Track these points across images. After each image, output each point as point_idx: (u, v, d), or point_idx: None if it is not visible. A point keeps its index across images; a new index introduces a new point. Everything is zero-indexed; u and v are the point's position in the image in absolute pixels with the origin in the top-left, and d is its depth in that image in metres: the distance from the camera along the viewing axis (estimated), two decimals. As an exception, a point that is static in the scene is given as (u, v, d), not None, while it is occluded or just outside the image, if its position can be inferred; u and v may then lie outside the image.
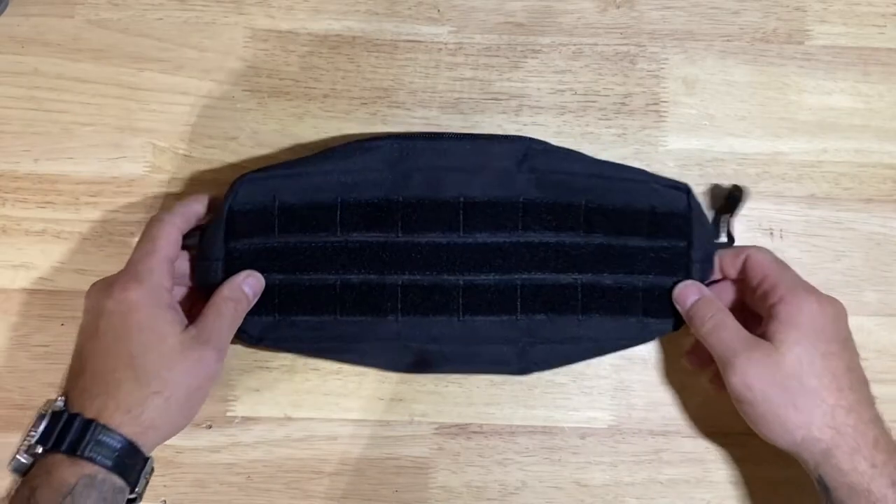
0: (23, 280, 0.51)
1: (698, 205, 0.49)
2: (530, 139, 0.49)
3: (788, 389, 0.43)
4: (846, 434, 0.42)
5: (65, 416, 0.41)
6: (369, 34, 0.54)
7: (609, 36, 0.54)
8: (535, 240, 0.48)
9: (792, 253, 0.52)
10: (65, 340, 0.51)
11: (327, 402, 0.51)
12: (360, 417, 0.51)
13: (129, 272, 0.44)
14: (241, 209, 0.48)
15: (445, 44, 0.53)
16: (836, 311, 0.45)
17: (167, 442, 0.50)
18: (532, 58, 0.53)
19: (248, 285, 0.47)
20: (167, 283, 0.45)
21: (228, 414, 0.51)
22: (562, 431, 0.51)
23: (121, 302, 0.43)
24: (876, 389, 0.44)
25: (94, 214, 0.52)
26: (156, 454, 0.50)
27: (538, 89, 0.53)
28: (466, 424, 0.51)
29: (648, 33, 0.54)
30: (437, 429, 0.51)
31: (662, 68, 0.53)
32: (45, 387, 0.51)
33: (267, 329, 0.48)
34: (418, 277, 0.47)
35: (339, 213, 0.47)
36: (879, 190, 0.53)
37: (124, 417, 0.41)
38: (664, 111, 0.53)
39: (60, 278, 0.51)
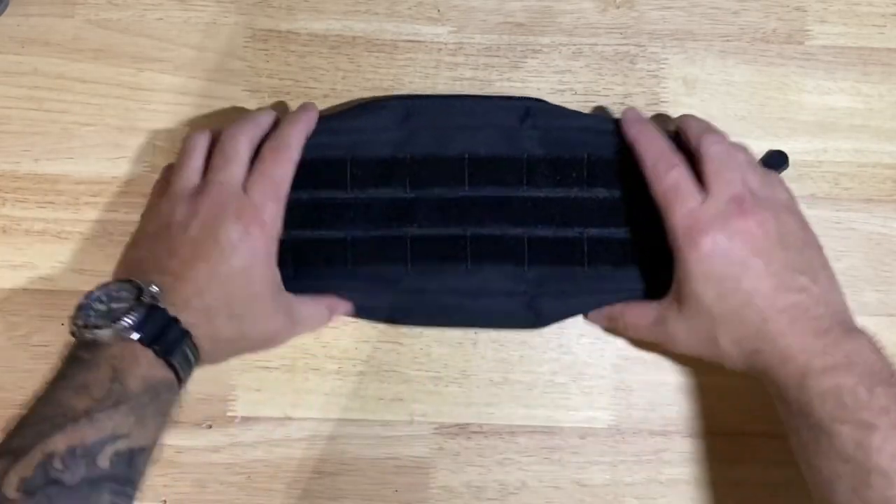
0: (23, 280, 0.51)
1: None
2: (529, 98, 0.50)
3: (706, 343, 0.46)
4: (757, 362, 0.44)
5: (162, 316, 0.41)
6: (369, 34, 0.54)
7: (609, 36, 0.54)
8: (540, 195, 0.49)
9: (792, 253, 0.52)
10: (65, 340, 0.51)
11: (327, 402, 0.51)
12: (360, 417, 0.51)
13: (256, 214, 0.45)
14: None
15: (445, 44, 0.53)
16: (735, 233, 0.44)
17: (167, 442, 0.50)
18: (532, 58, 0.53)
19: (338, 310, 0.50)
20: (280, 235, 0.46)
21: (228, 414, 0.51)
22: (562, 431, 0.51)
23: (245, 238, 0.44)
24: (876, 389, 0.44)
25: (94, 214, 0.52)
26: (155, 454, 0.50)
27: (538, 89, 0.53)
28: (466, 424, 0.51)
29: (648, 33, 0.54)
30: (437, 429, 0.51)
31: (662, 68, 0.53)
32: (45, 387, 0.51)
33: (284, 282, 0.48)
34: (426, 231, 0.49)
35: (348, 169, 0.49)
36: (879, 190, 0.53)
37: (205, 339, 0.42)
38: (664, 111, 0.53)
39: (60, 278, 0.51)
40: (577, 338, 0.52)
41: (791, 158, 0.53)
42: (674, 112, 0.53)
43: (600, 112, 0.53)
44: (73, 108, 0.53)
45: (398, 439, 0.51)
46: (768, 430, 0.50)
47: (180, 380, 0.41)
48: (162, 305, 0.41)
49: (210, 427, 0.51)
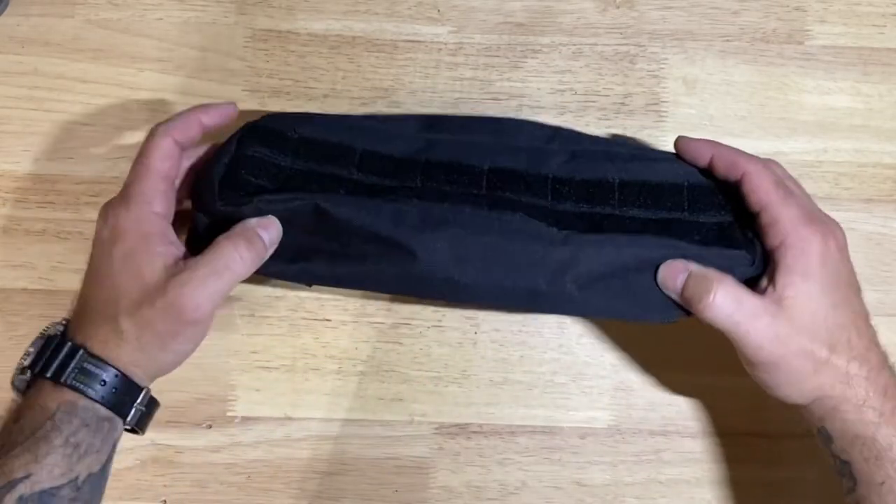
0: (23, 280, 0.51)
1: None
2: (558, 126, 0.47)
3: (804, 354, 0.40)
4: (857, 386, 0.40)
5: (56, 341, 0.40)
6: (369, 34, 0.54)
7: (609, 36, 0.54)
8: (566, 208, 0.44)
9: (792, 253, 0.52)
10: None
11: (327, 402, 0.51)
12: (361, 417, 0.51)
13: (121, 195, 0.42)
14: (262, 126, 0.45)
15: (445, 44, 0.53)
16: (839, 246, 0.42)
17: (167, 442, 0.50)
18: (532, 58, 0.53)
19: (265, 231, 0.42)
20: (159, 208, 0.42)
21: (228, 414, 0.51)
22: (562, 431, 0.51)
23: (110, 228, 0.41)
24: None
25: (94, 214, 0.51)
26: (155, 454, 0.50)
27: (538, 89, 0.53)
28: (466, 424, 0.51)
29: (648, 33, 0.54)
30: (437, 429, 0.51)
31: (662, 68, 0.53)
32: (45, 387, 0.51)
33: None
34: (436, 204, 0.43)
35: (357, 157, 0.45)
36: (879, 190, 0.53)
37: (105, 348, 0.40)
38: (664, 111, 0.53)
39: (60, 278, 0.51)
40: (577, 338, 0.51)
41: (791, 158, 0.53)
42: (674, 112, 0.53)
43: (599, 115, 0.53)
44: (73, 108, 0.53)
45: (398, 439, 0.51)
46: (768, 430, 0.50)
47: (93, 398, 0.39)
48: (53, 332, 0.41)
49: (210, 427, 0.51)
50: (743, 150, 0.44)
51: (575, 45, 0.54)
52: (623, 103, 0.53)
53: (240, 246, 0.41)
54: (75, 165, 0.52)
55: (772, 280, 0.41)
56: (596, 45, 0.54)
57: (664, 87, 0.53)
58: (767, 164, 0.44)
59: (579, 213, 0.44)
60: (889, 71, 0.53)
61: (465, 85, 0.53)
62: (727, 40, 0.54)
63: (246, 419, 0.51)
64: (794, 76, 0.53)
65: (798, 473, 0.50)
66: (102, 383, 0.39)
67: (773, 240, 0.42)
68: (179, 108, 0.52)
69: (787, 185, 0.43)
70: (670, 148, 0.53)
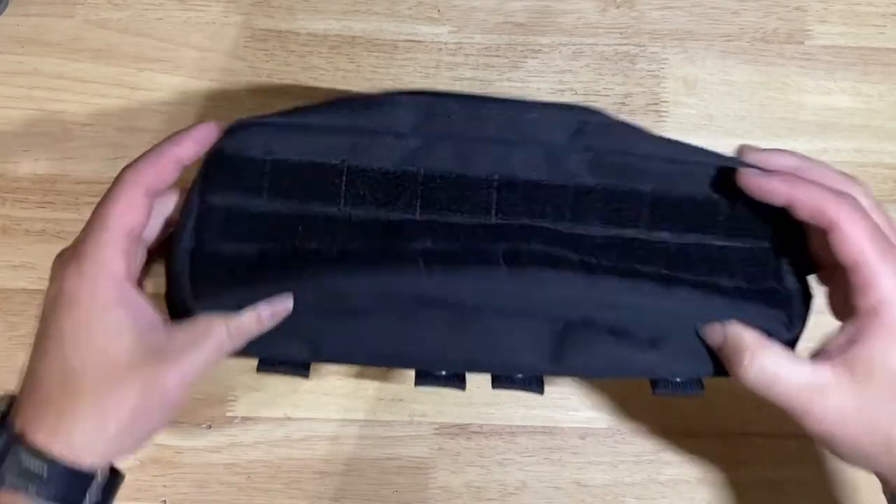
0: (23, 280, 0.51)
1: None
2: (585, 109, 0.40)
3: (878, 431, 0.35)
4: None
5: None
6: (369, 34, 0.54)
7: (609, 36, 0.54)
8: (587, 232, 0.39)
9: (792, 253, 0.52)
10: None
11: (327, 402, 0.51)
12: (360, 417, 0.51)
13: (73, 250, 0.35)
14: (230, 154, 0.38)
15: (445, 44, 0.54)
16: None
17: (167, 442, 0.50)
18: (532, 58, 0.53)
19: (264, 310, 0.37)
20: (117, 267, 0.35)
21: (228, 414, 0.51)
22: (562, 431, 0.51)
23: (58, 292, 0.35)
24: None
25: (94, 214, 0.52)
26: (155, 454, 0.50)
27: (538, 89, 0.53)
28: (466, 424, 0.51)
29: (648, 33, 0.54)
30: (437, 429, 0.51)
31: (662, 68, 0.53)
32: (45, 387, 0.51)
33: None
34: (443, 245, 0.37)
35: (344, 179, 0.38)
36: (879, 190, 0.53)
37: (52, 439, 0.34)
38: (664, 111, 0.53)
39: (60, 278, 0.51)
40: (577, 338, 0.51)
41: (791, 158, 0.53)
42: (674, 112, 0.53)
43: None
44: (72, 108, 0.53)
45: (398, 439, 0.51)
46: (768, 430, 0.50)
47: (34, 494, 0.33)
48: None
49: (210, 427, 0.51)
50: (824, 185, 0.38)
51: (575, 45, 0.54)
52: (623, 103, 0.53)
53: (231, 320, 0.36)
54: (75, 165, 0.52)
55: (847, 345, 0.36)
56: (596, 45, 0.54)
57: (664, 87, 0.53)
58: (857, 206, 0.37)
59: (604, 239, 0.39)
60: (889, 71, 0.53)
61: (465, 85, 0.53)
62: (727, 40, 0.54)
63: (246, 419, 0.51)
64: (794, 76, 0.53)
65: (799, 474, 0.50)
66: (45, 481, 0.33)
67: (863, 301, 0.36)
68: (179, 109, 0.53)
69: (884, 236, 0.37)
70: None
